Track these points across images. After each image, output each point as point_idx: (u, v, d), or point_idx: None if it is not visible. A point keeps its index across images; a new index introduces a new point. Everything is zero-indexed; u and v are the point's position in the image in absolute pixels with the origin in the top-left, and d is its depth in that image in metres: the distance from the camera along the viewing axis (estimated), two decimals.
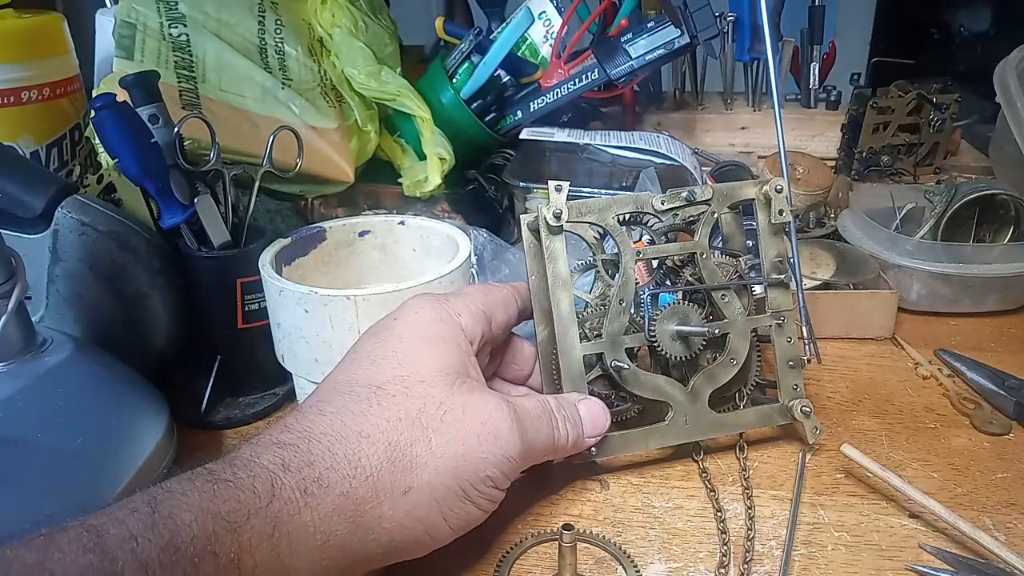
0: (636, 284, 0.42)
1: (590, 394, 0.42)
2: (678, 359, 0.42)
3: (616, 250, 0.43)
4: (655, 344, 0.42)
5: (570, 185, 0.41)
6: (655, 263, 0.45)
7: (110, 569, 0.24)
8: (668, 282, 0.45)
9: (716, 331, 0.42)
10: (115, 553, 0.24)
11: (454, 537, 0.34)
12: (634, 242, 0.44)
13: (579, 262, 0.45)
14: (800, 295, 0.47)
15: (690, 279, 0.44)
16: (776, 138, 0.48)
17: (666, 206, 0.43)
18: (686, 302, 0.43)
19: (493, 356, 0.43)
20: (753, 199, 0.44)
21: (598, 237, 0.44)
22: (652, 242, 0.44)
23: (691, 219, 0.44)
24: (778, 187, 0.43)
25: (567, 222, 0.41)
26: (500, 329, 0.41)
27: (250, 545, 0.27)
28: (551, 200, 0.40)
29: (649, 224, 0.44)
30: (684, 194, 0.43)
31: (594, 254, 0.44)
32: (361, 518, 0.31)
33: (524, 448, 0.35)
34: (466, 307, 0.38)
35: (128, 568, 0.24)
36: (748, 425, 0.44)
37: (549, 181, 0.41)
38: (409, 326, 0.36)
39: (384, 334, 0.36)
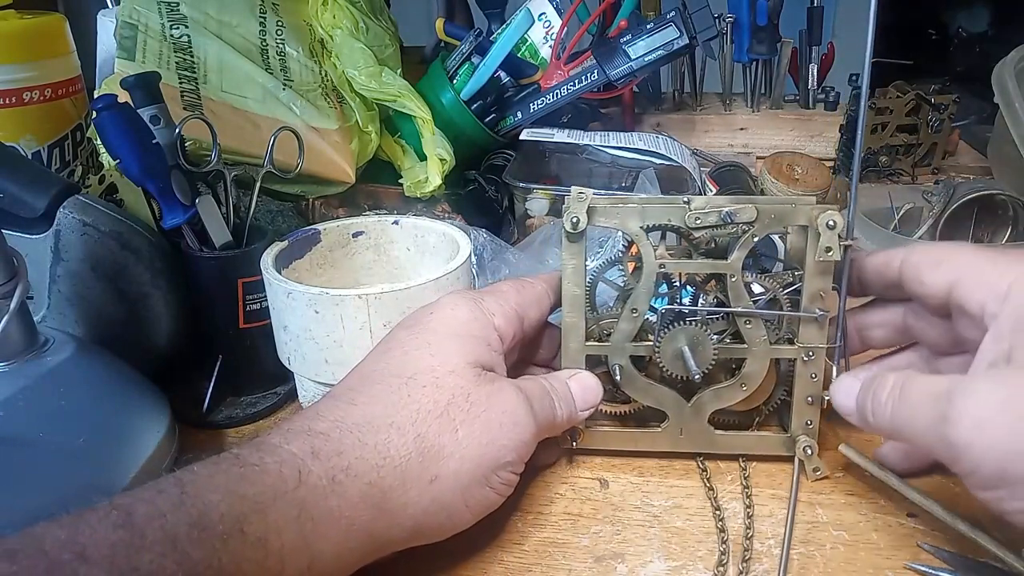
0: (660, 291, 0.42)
1: None
2: (678, 378, 0.42)
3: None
4: (658, 359, 0.42)
5: (570, 186, 0.41)
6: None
7: (139, 544, 0.24)
8: (700, 295, 0.43)
9: (698, 376, 0.40)
10: (144, 529, 0.25)
11: (473, 522, 0.35)
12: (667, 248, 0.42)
13: (613, 253, 0.44)
14: (840, 331, 0.42)
15: (719, 295, 0.42)
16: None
17: (699, 224, 0.40)
18: (701, 326, 0.41)
19: (522, 343, 0.43)
20: (806, 225, 0.39)
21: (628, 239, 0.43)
22: (688, 252, 0.42)
23: (734, 234, 0.41)
24: (830, 223, 0.38)
25: (591, 225, 0.40)
26: (532, 327, 0.42)
27: (277, 526, 0.28)
28: (571, 208, 0.40)
29: (686, 233, 0.42)
30: (724, 211, 0.39)
31: (626, 250, 0.44)
32: (387, 505, 0.32)
33: (537, 430, 0.36)
34: (500, 307, 0.39)
35: (158, 543, 0.25)
36: (746, 449, 0.43)
37: (573, 187, 0.40)
38: (443, 322, 0.37)
39: (418, 327, 0.37)
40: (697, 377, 0.41)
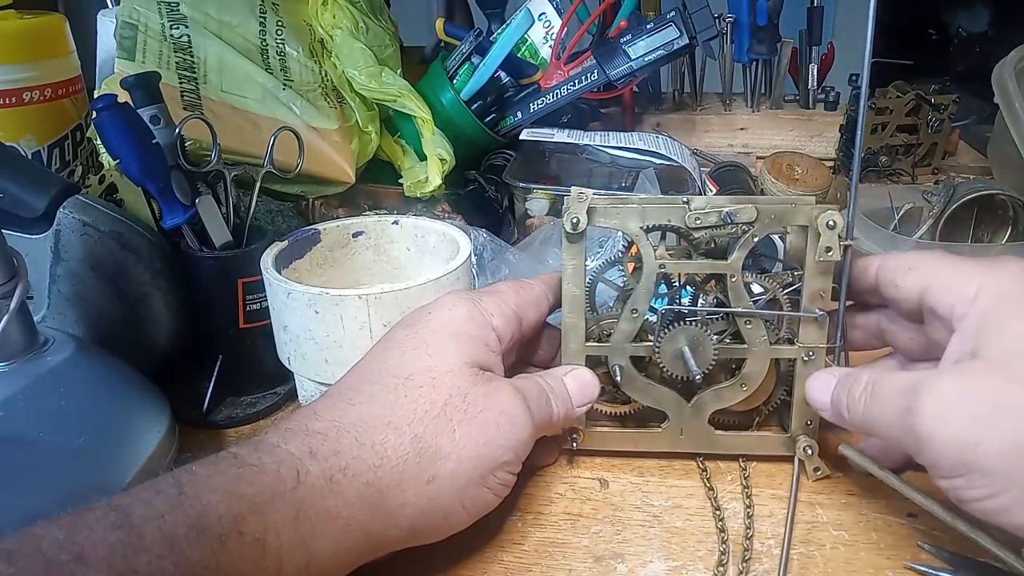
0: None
1: None
2: (678, 378, 0.42)
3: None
4: (658, 359, 0.42)
5: (570, 186, 0.41)
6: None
7: (138, 545, 0.24)
8: (699, 295, 0.43)
9: (698, 377, 0.40)
10: (142, 530, 0.25)
11: (470, 523, 0.35)
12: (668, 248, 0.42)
13: (612, 254, 0.44)
14: (840, 330, 0.41)
15: (719, 296, 0.42)
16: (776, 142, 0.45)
17: (699, 224, 0.40)
18: (702, 326, 0.41)
19: (520, 343, 0.43)
20: (806, 225, 0.39)
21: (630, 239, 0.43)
22: (688, 252, 0.42)
23: (734, 234, 0.41)
24: (830, 223, 0.38)
25: (591, 225, 0.40)
26: (531, 328, 0.42)
27: (275, 526, 0.28)
28: (571, 208, 0.39)
29: (686, 234, 0.41)
30: (724, 212, 0.39)
31: (626, 251, 0.44)
32: (384, 505, 0.32)
33: (534, 429, 0.36)
34: (499, 308, 0.39)
35: (156, 544, 0.25)
36: (747, 449, 0.43)
37: (573, 188, 0.40)
38: (442, 322, 0.37)
39: (417, 326, 0.37)
40: (698, 377, 0.41)
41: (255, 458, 0.29)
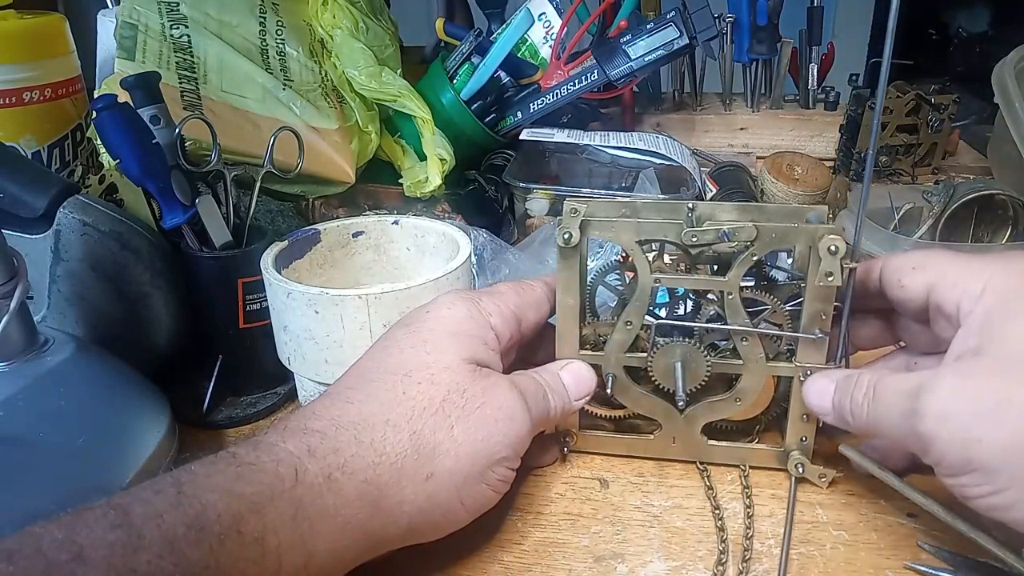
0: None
1: None
2: (670, 392, 0.42)
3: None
4: (650, 372, 0.41)
5: (570, 186, 0.41)
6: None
7: (137, 544, 0.24)
8: (701, 303, 0.42)
9: (681, 402, 0.40)
10: (142, 529, 0.25)
11: (469, 520, 0.35)
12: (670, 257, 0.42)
13: (613, 254, 0.44)
14: (841, 350, 0.40)
15: (718, 310, 0.41)
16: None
17: (696, 241, 0.39)
18: (696, 340, 0.41)
19: (520, 344, 0.43)
20: (809, 247, 0.38)
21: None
22: (689, 267, 0.41)
23: (736, 247, 0.39)
24: (832, 248, 0.36)
25: (587, 238, 0.40)
26: (531, 330, 0.42)
27: (274, 525, 0.28)
28: (564, 223, 0.39)
29: (684, 248, 0.41)
30: (721, 232, 0.38)
31: (624, 260, 0.43)
32: (383, 502, 0.32)
33: (532, 425, 0.37)
34: (498, 308, 0.39)
35: (155, 543, 0.25)
36: (739, 460, 0.43)
37: (566, 202, 0.39)
38: (440, 321, 0.37)
39: (415, 325, 0.37)
40: (681, 403, 0.41)
41: (254, 457, 0.30)
